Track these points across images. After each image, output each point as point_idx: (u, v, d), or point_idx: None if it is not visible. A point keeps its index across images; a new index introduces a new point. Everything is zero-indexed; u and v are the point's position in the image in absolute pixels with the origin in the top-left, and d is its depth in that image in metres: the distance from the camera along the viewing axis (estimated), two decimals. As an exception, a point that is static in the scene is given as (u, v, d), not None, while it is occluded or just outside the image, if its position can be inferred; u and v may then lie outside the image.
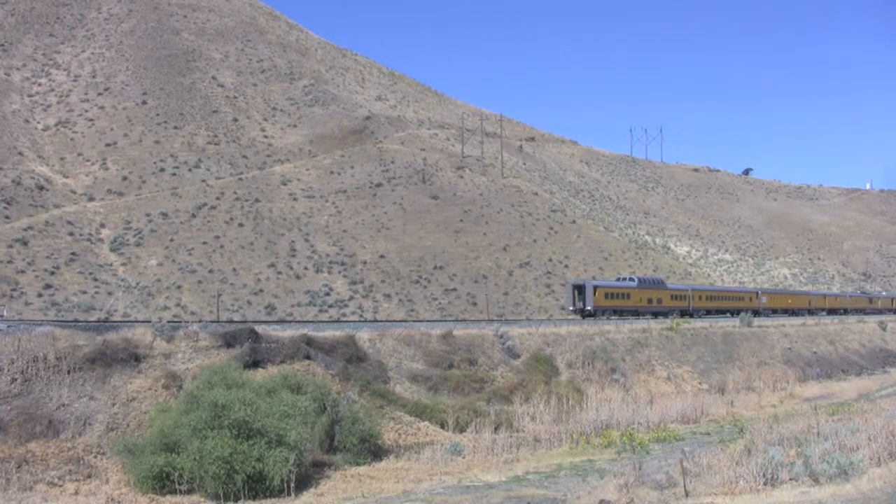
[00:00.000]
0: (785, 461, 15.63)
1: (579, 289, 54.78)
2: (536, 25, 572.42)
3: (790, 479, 14.93)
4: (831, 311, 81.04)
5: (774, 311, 72.50)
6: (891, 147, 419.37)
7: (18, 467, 19.93)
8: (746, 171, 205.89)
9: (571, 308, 54.85)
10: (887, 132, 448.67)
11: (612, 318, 52.67)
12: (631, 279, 59.99)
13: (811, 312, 77.11)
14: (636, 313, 56.05)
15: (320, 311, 57.52)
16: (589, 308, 53.25)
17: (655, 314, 57.03)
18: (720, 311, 65.66)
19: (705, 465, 17.37)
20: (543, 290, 71.16)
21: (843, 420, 21.42)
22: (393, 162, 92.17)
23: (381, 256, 70.17)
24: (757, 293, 73.83)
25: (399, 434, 26.66)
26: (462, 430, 27.74)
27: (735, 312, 63.79)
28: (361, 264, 68.06)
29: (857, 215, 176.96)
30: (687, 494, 14.86)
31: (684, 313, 60.15)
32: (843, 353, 57.94)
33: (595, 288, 54.50)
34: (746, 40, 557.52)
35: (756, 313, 64.84)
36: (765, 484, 14.79)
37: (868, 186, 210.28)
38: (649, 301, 58.82)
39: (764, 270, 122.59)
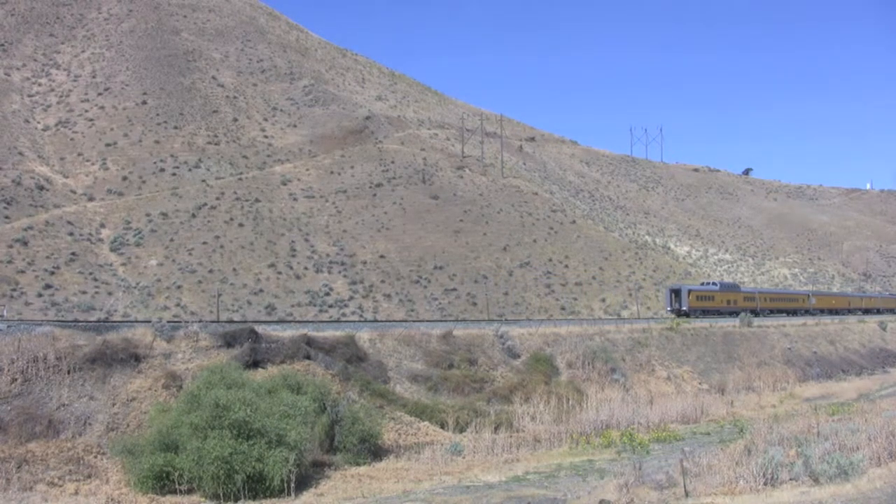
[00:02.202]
0: (785, 461, 15.64)
1: (676, 292, 63.18)
2: (536, 26, 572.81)
3: (790, 479, 14.94)
4: (866, 311, 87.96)
5: (822, 311, 79.47)
6: (892, 148, 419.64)
7: (18, 467, 19.93)
8: (746, 171, 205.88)
9: (669, 308, 62.60)
10: (888, 133, 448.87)
11: (700, 316, 60.48)
12: (714, 284, 69.27)
13: (850, 311, 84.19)
14: (718, 313, 63.44)
15: (320, 311, 57.51)
16: (685, 308, 61.34)
17: (731, 313, 63.98)
18: (780, 311, 73.26)
19: (705, 465, 17.37)
20: (543, 290, 71.16)
21: (843, 420, 21.43)
22: (393, 162, 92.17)
23: (381, 256, 70.16)
24: (808, 295, 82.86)
25: (399, 434, 26.66)
26: (462, 430, 27.73)
27: (791, 312, 72.56)
28: (361, 264, 68.05)
29: (857, 215, 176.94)
30: (687, 494, 14.87)
31: (753, 312, 66.67)
32: (843, 353, 57.94)
33: (689, 291, 63.05)
34: (746, 41, 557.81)
35: (807, 312, 74.41)
36: (765, 484, 14.80)
37: (868, 186, 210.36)
38: (728, 302, 66.88)
39: (764, 270, 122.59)
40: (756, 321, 57.31)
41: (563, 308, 67.39)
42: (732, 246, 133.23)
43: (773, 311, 71.73)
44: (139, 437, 21.27)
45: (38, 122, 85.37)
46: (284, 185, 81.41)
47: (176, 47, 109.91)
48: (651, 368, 41.09)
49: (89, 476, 20.62)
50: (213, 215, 70.34)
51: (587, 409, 30.37)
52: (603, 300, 72.09)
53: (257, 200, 75.35)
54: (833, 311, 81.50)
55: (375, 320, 51.05)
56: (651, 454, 22.75)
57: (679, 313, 60.57)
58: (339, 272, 65.84)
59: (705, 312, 62.30)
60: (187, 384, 23.95)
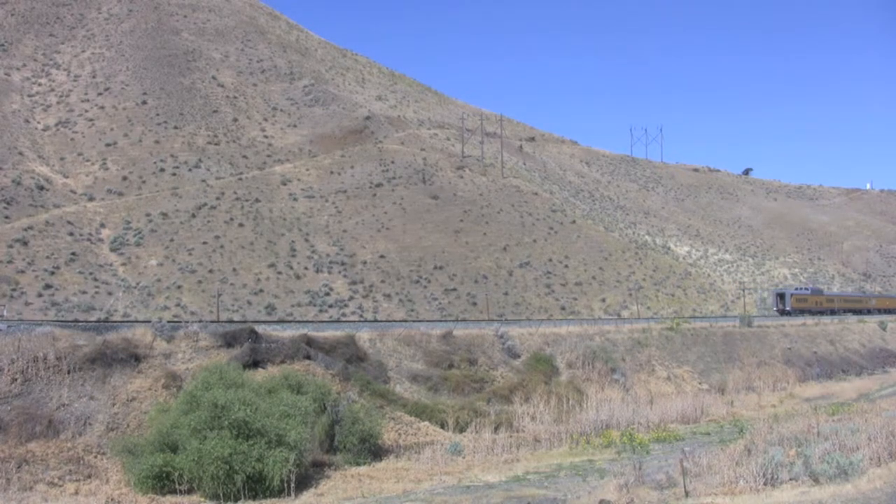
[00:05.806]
0: (785, 461, 15.62)
1: (781, 296, 78.81)
2: (537, 25, 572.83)
3: (790, 479, 14.92)
4: None
5: (880, 311, 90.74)
6: (892, 149, 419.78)
7: (18, 467, 19.94)
8: (746, 171, 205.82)
9: (776, 308, 76.80)
10: (888, 133, 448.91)
11: (798, 315, 71.77)
12: (806, 289, 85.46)
13: None
14: (810, 312, 75.64)
15: (320, 311, 57.50)
16: (788, 309, 75.20)
17: (819, 313, 77.00)
18: (851, 311, 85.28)
19: (705, 465, 17.36)
20: (543, 290, 71.16)
21: (843, 420, 21.41)
22: (393, 162, 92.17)
23: (381, 256, 70.16)
24: (871, 297, 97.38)
25: (399, 434, 26.68)
26: (462, 430, 27.75)
27: (857, 311, 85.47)
28: (361, 264, 68.04)
29: (857, 215, 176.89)
30: (687, 494, 14.86)
31: (832, 312, 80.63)
32: (843, 353, 57.94)
33: (791, 295, 78.44)
34: (746, 42, 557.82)
35: (869, 312, 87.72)
36: (765, 484, 14.78)
37: (868, 186, 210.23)
38: (816, 303, 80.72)
39: (764, 270, 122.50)
40: (756, 321, 57.35)
41: (563, 308, 67.39)
42: (732, 246, 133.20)
43: (846, 311, 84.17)
44: (139, 437, 21.29)
45: (38, 122, 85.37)
46: (284, 185, 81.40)
47: (176, 47, 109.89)
48: (651, 368, 41.11)
49: (89, 476, 20.63)
50: (213, 215, 70.33)
51: (587, 409, 30.40)
52: (603, 300, 72.10)
53: (257, 200, 75.36)
54: (888, 311, 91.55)
55: (375, 320, 51.04)
56: (651, 454, 22.76)
57: (783, 312, 74.13)
58: (339, 272, 65.84)
59: (801, 312, 74.79)
60: (187, 384, 23.96)
